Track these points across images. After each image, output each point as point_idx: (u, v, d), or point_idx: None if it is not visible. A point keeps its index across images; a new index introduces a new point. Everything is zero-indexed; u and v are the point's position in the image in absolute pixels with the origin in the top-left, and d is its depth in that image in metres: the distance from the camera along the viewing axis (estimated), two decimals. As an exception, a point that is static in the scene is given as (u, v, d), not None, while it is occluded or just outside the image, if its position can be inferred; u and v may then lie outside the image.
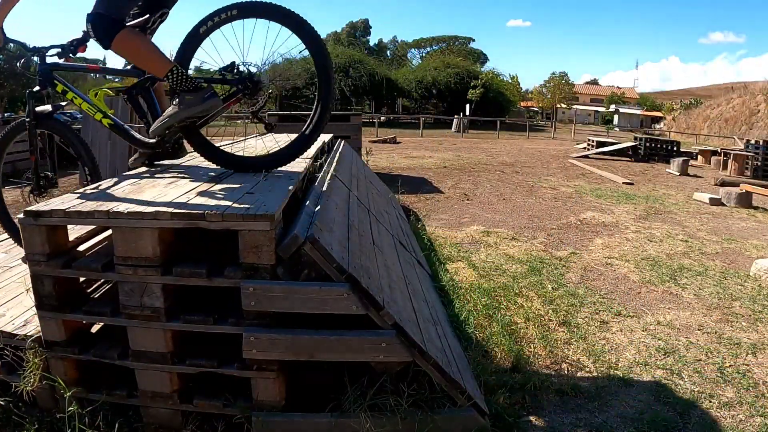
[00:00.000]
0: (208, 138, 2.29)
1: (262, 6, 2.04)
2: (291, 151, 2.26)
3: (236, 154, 2.33)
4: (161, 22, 2.30)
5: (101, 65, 2.75)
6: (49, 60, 2.26)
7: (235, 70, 2.11)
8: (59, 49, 2.24)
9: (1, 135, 2.47)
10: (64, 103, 2.41)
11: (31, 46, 2.26)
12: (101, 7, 1.96)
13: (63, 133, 2.39)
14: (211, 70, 2.16)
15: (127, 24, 2.04)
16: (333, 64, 2.19)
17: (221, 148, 2.32)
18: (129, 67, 2.36)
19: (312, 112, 2.17)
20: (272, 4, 2.05)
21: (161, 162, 2.58)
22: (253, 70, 2.12)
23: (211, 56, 2.16)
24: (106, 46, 1.95)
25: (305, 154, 2.40)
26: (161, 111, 2.22)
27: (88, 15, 1.97)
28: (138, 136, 2.42)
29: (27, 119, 2.31)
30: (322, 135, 2.45)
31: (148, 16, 2.20)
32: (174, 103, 2.08)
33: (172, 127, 2.12)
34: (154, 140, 2.31)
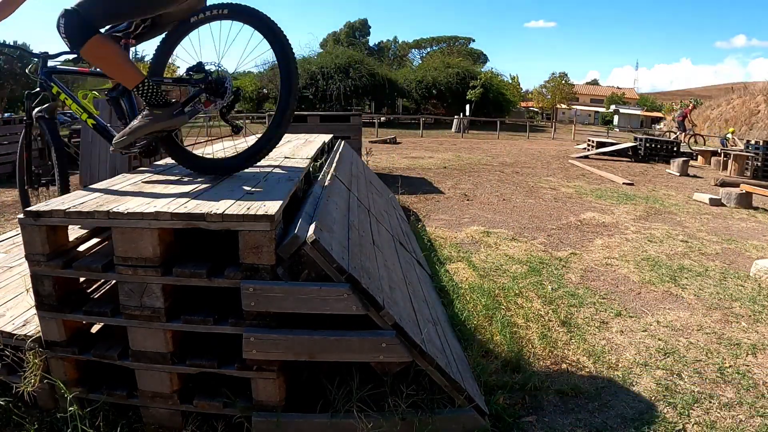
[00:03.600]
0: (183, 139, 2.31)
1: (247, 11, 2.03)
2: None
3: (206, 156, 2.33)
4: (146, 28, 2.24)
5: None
6: (50, 64, 2.35)
7: (202, 71, 2.07)
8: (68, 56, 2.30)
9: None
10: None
11: (35, 51, 2.38)
12: (82, 6, 1.87)
13: (45, 136, 2.46)
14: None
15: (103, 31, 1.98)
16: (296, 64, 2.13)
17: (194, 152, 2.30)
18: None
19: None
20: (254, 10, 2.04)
21: (162, 162, 2.58)
22: (215, 69, 2.08)
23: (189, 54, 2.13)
24: (75, 48, 1.89)
25: (304, 154, 2.40)
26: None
27: (65, 10, 1.87)
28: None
29: (24, 119, 2.44)
30: (322, 135, 2.44)
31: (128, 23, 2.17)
32: (142, 115, 2.05)
33: (137, 140, 2.11)
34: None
